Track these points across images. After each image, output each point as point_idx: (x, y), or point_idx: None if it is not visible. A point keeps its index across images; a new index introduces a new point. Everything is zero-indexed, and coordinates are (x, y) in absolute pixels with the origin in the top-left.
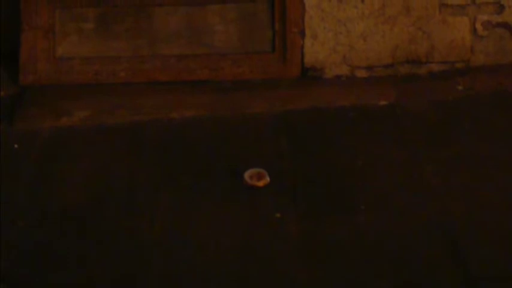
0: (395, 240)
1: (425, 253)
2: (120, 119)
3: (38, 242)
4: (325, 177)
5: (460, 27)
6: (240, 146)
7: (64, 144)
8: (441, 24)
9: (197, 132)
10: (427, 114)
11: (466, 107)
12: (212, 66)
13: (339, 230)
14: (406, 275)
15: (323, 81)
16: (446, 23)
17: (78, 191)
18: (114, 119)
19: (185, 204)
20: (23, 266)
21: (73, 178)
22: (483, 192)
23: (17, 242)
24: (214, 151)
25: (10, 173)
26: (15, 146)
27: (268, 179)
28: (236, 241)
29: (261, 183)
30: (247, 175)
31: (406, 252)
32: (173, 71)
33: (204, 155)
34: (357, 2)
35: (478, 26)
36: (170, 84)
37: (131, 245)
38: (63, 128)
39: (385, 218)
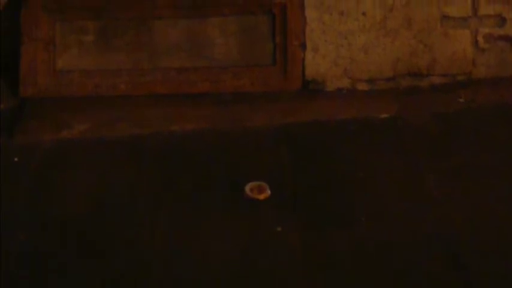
0: (396, 251)
1: (426, 264)
2: (120, 131)
3: (39, 254)
4: (326, 189)
5: (462, 40)
6: (241, 159)
7: (64, 157)
8: (442, 37)
9: (198, 144)
10: (429, 127)
11: (468, 120)
12: (213, 78)
13: (339, 241)
14: (406, 286)
15: (324, 94)
16: (447, 35)
17: (78, 203)
18: (114, 131)
19: (186, 217)
20: (23, 277)
21: (73, 191)
22: (484, 204)
23: (17, 254)
24: (215, 163)
25: (10, 185)
26: (15, 158)
27: (269, 192)
28: (237, 253)
29: (261, 196)
30: (248, 188)
31: (407, 263)
32: (173, 84)
33: (205, 168)
34: (358, 14)
35: (480, 39)
36: (170, 97)
37: (131, 257)
38: (63, 141)
39: (385, 229)
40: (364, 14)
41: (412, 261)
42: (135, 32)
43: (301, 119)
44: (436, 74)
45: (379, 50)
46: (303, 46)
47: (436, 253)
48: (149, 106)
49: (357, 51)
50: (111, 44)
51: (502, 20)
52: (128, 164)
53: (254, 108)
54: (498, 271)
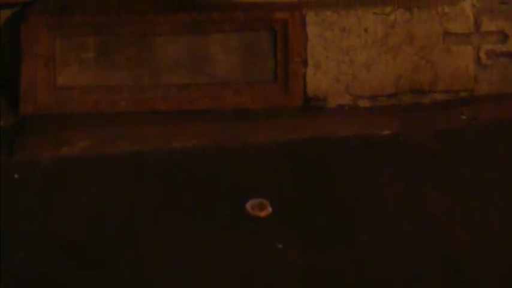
0: (398, 270)
1: (427, 281)
2: (120, 148)
3: (39, 272)
4: (328, 206)
5: (464, 56)
6: (242, 176)
7: (64, 174)
8: (445, 53)
9: (198, 161)
10: (431, 144)
11: (470, 137)
12: (213, 95)
13: (340, 259)
14: None
15: (325, 110)
16: (450, 52)
17: (78, 220)
18: (115, 148)
19: (186, 234)
20: None
21: (73, 208)
22: (486, 221)
23: (17, 272)
24: (216, 181)
25: (10, 203)
26: (16, 175)
27: (270, 209)
28: (238, 271)
29: (262, 214)
30: (249, 205)
31: (408, 279)
32: (174, 101)
33: (206, 185)
34: (359, 31)
35: (482, 55)
36: (171, 113)
37: (132, 274)
38: (64, 158)
39: (387, 247)
40: (365, 30)
41: (414, 278)
42: (135, 48)
43: (303, 135)
44: (438, 91)
45: (381, 67)
46: (305, 62)
47: (437, 270)
48: (150, 123)
49: (358, 68)
50: (112, 60)
51: (504, 37)
52: (128, 181)
53: (255, 125)
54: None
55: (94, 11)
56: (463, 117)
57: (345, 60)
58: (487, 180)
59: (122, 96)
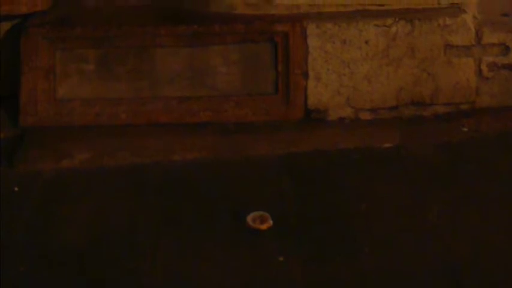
0: (399, 282)
1: None
2: (121, 161)
3: (39, 285)
4: (329, 219)
5: (465, 69)
6: (243, 189)
7: (65, 186)
8: (446, 65)
9: (199, 174)
10: (432, 157)
11: (471, 149)
12: (214, 108)
13: (343, 273)
14: None
15: (326, 123)
16: (451, 64)
17: (79, 233)
18: (115, 161)
19: (187, 247)
20: None
21: (74, 221)
22: (487, 234)
23: (17, 285)
24: (217, 193)
25: (10, 215)
26: (16, 188)
27: (271, 222)
28: (238, 283)
29: (264, 226)
30: (250, 218)
31: None
32: (175, 113)
33: (206, 197)
34: (361, 43)
35: (483, 68)
36: (172, 126)
37: (132, 287)
38: (64, 170)
39: (389, 260)
40: (366, 42)
41: None
42: (136, 60)
43: (304, 148)
44: (439, 103)
45: (382, 79)
46: (305, 75)
47: (438, 282)
48: (150, 135)
49: (359, 80)
50: (112, 72)
51: (505, 49)
52: (128, 193)
53: (256, 138)
54: None
55: (94, 23)
56: (465, 129)
57: (346, 72)
58: (489, 193)
59: (122, 108)
